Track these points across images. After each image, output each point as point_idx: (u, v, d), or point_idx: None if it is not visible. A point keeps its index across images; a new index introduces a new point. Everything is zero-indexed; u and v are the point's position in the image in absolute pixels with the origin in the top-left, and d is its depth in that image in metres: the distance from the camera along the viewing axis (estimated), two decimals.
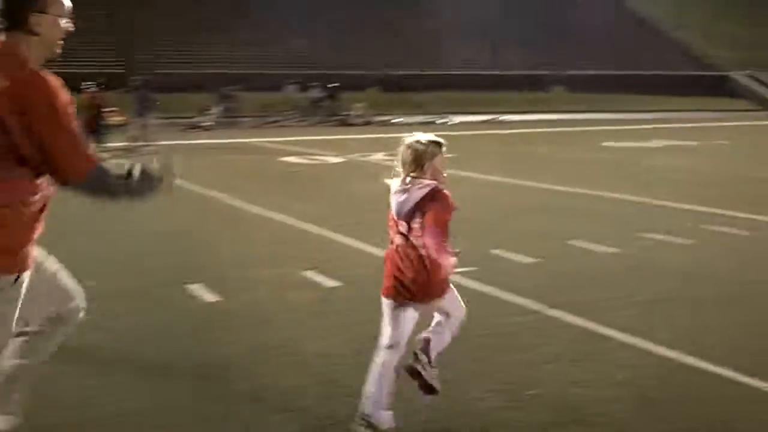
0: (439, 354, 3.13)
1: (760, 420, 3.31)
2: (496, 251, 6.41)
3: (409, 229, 3.04)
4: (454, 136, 20.33)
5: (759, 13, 50.04)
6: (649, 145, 17.70)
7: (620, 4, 52.60)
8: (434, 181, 3.05)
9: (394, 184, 3.12)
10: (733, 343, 4.26)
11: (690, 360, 3.96)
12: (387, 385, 3.05)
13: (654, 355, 4.07)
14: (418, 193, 3.02)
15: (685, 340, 4.26)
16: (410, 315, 3.09)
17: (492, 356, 4.06)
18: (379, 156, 14.35)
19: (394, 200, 3.09)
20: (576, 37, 42.66)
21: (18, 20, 2.39)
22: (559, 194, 9.79)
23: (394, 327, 3.08)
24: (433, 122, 25.94)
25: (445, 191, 3.05)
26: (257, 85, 27.99)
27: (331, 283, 5.40)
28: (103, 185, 2.45)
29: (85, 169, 2.37)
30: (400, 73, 35.28)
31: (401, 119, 25.51)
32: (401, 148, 3.13)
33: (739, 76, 40.52)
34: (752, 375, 3.72)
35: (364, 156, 14.71)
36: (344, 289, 5.27)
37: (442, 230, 2.99)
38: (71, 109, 2.37)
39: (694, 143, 18.31)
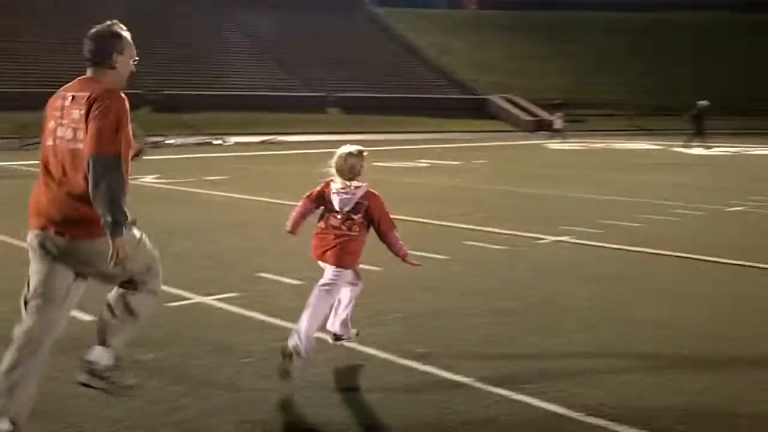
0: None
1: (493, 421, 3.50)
2: (262, 274, 6.31)
3: (347, 219, 4.07)
4: (226, 157, 20.54)
5: (514, 44, 55.24)
6: (417, 165, 18.60)
7: (392, 33, 55.50)
8: (366, 183, 4.12)
9: (335, 186, 4.13)
10: (476, 353, 4.51)
11: (444, 374, 4.12)
12: (317, 322, 4.03)
13: (409, 369, 4.19)
14: (358, 193, 4.07)
15: (440, 353, 4.44)
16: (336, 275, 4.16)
17: (254, 382, 3.95)
18: (148, 179, 13.71)
19: (337, 198, 4.09)
20: (354, 64, 44.35)
21: (103, 58, 3.22)
22: None
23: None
24: (209, 143, 25.34)
25: (373, 190, 4.13)
26: (17, 105, 25.83)
27: None
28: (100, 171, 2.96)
29: (96, 152, 2.97)
30: (172, 92, 34.34)
31: (174, 140, 24.67)
32: (336, 159, 4.15)
33: (498, 99, 44.16)
34: (497, 385, 3.95)
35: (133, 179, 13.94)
36: None
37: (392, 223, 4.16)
38: (124, 116, 3.11)
39: (457, 162, 19.52)
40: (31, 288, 3.12)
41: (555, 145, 28.86)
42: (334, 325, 4.37)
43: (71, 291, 3.15)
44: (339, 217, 4.08)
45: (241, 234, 8.55)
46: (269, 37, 46.08)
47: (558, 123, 29.80)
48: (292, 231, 4.29)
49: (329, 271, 4.14)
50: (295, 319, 4.12)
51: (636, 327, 5.06)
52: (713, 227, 9.47)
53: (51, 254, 3.08)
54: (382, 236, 4.16)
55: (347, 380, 4.14)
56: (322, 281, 4.15)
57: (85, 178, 2.98)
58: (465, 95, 46.07)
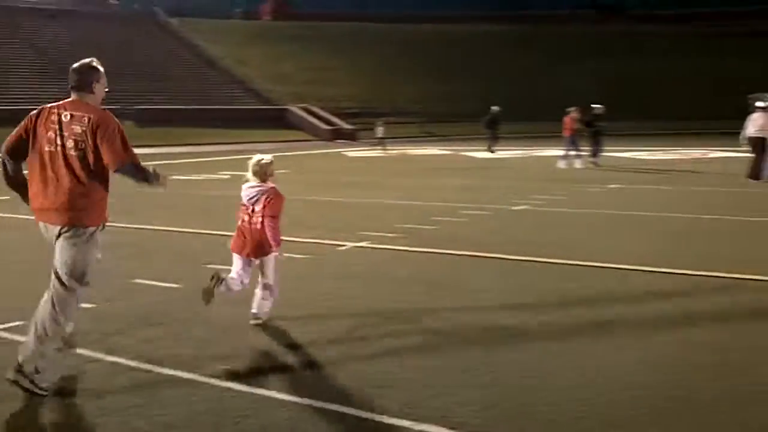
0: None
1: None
2: None
3: (253, 211, 5.17)
4: None
5: (308, 55, 55.99)
6: (220, 177, 18.25)
7: (187, 43, 54.02)
8: (273, 185, 5.24)
9: (248, 185, 5.24)
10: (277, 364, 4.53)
11: (243, 388, 4.09)
12: (234, 288, 5.18)
13: (211, 386, 4.11)
14: (262, 190, 5.19)
15: (242, 369, 4.41)
16: (245, 261, 5.22)
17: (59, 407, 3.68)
18: None
19: (247, 194, 5.21)
20: (149, 76, 42.78)
21: (86, 85, 4.18)
22: (126, 231, 9.44)
23: (236, 267, 5.22)
24: None
25: (278, 190, 5.23)
26: None
27: None
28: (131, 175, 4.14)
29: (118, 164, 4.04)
30: None
31: None
32: (251, 166, 5.26)
33: (296, 109, 44.47)
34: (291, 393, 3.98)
35: None
36: None
37: (277, 217, 5.15)
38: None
39: None
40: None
41: (353, 153, 29.60)
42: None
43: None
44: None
45: None
46: (56, 48, 43.28)
47: (380, 131, 30.58)
48: None
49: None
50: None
51: (435, 323, 5.32)
52: (499, 226, 10.15)
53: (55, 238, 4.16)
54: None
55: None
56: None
57: (74, 179, 4.03)
58: (264, 106, 45.93)
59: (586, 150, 20.27)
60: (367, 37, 61.78)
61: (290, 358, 4.65)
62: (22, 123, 4.18)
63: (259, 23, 70.56)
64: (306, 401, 3.87)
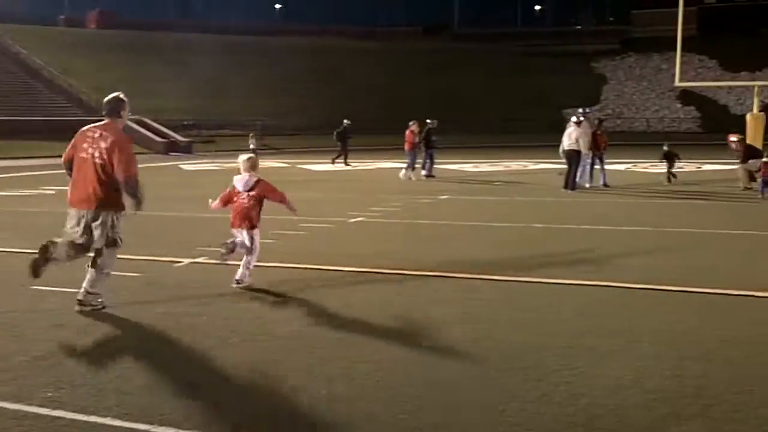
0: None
1: None
2: None
3: (248, 194, 7.04)
4: None
5: (136, 65, 54.12)
6: (43, 192, 17.23)
7: (7, 50, 50.48)
8: (258, 174, 7.17)
9: (241, 176, 7.13)
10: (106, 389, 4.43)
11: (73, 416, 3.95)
12: (242, 248, 7.01)
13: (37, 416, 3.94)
14: (253, 180, 7.08)
15: (69, 397, 4.25)
16: (241, 233, 7.04)
17: None
18: None
19: (243, 182, 7.09)
20: None
21: (114, 113, 6.03)
22: None
23: (239, 236, 7.04)
24: None
25: (263, 178, 7.25)
26: None
27: None
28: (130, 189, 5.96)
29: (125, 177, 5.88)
30: None
31: None
32: (242, 163, 7.21)
33: (127, 121, 42.71)
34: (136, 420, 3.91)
35: None
36: None
37: (275, 189, 7.25)
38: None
39: None
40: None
41: (189, 166, 28.89)
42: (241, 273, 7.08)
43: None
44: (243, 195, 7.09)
45: None
46: None
47: (252, 143, 29.96)
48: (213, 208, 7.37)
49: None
50: None
51: (272, 341, 5.36)
52: (338, 238, 10.35)
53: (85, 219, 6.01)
54: (274, 202, 7.28)
55: None
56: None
57: (102, 179, 5.91)
58: (92, 117, 43.70)
59: (421, 162, 21.03)
60: (204, 47, 60.51)
61: (123, 384, 4.53)
62: (74, 139, 6.14)
63: (82, 31, 67.21)
64: (140, 426, 3.81)
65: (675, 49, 32.32)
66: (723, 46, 65.30)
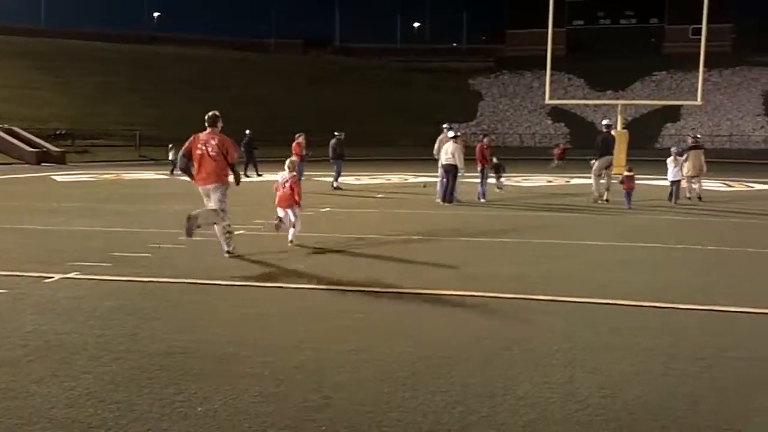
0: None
1: None
2: None
3: (284, 185, 10.35)
4: None
5: (4, 71, 51.10)
6: None
7: None
8: (294, 173, 10.56)
9: (283, 173, 10.42)
10: None
11: None
12: (288, 222, 10.54)
13: None
14: (290, 176, 10.40)
15: None
16: (286, 212, 10.46)
17: None
18: None
19: (283, 178, 10.38)
20: None
21: (214, 124, 9.63)
22: None
23: (282, 214, 10.50)
24: None
25: (296, 176, 10.69)
26: None
27: None
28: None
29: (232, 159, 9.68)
30: None
31: None
32: (287, 164, 10.54)
33: None
34: None
35: None
36: None
37: (299, 183, 10.78)
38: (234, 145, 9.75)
39: None
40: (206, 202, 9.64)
41: (62, 177, 27.56)
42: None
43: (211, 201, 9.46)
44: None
45: None
46: None
47: (171, 154, 28.68)
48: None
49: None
50: None
51: (145, 359, 5.22)
52: (217, 251, 10.14)
53: (207, 191, 9.51)
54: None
55: None
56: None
57: (215, 165, 9.46)
58: None
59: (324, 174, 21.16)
60: (73, 54, 57.99)
61: None
62: (188, 142, 9.59)
63: None
64: None
65: (545, 68, 33.95)
66: (590, 66, 69.05)
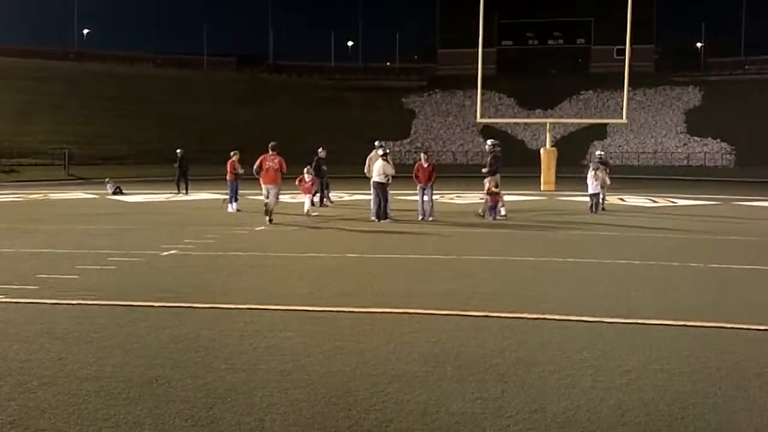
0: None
1: None
2: None
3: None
4: None
5: None
6: None
7: None
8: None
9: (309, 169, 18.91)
10: None
11: None
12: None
13: None
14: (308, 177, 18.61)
15: None
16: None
17: None
18: None
19: (310, 176, 19.01)
20: None
21: (275, 148, 17.33)
22: None
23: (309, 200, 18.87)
24: None
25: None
26: None
27: None
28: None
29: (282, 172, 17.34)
30: None
31: None
32: (313, 165, 19.87)
33: None
34: None
35: None
36: None
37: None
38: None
39: None
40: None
41: None
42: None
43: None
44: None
45: None
46: None
47: (109, 187, 27.83)
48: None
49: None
50: None
51: (73, 384, 5.08)
52: (148, 272, 9.97)
53: (270, 190, 16.82)
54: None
55: None
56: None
57: (275, 172, 16.92)
58: None
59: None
60: (6, 71, 56.21)
61: None
62: (260, 159, 17.11)
63: None
64: None
65: (476, 87, 34.60)
66: (519, 85, 70.64)
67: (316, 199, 20.98)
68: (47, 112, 51.77)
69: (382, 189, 17.17)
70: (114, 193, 27.09)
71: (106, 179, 29.25)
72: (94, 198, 26.08)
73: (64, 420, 4.37)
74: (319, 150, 21.87)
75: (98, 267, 10.01)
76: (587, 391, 5.01)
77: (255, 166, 16.98)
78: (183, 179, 27.60)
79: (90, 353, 5.81)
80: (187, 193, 27.09)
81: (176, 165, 28.03)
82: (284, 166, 16.93)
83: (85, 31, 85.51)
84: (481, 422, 4.41)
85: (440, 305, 7.60)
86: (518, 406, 4.69)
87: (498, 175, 18.15)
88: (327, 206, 21.15)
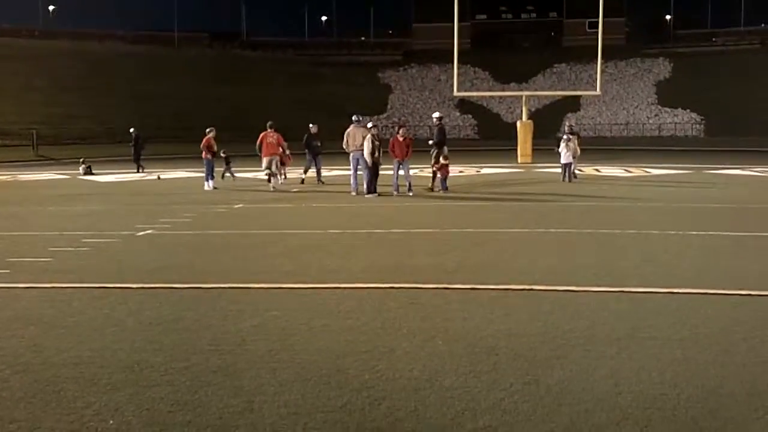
0: None
1: None
2: None
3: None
4: None
5: None
6: None
7: None
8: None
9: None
10: None
11: None
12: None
13: None
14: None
15: None
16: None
17: None
18: None
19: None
20: None
21: (271, 127, 19.67)
22: None
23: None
24: None
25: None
26: None
27: None
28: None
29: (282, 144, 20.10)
30: None
31: None
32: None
33: None
34: None
35: None
36: None
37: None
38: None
39: None
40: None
41: None
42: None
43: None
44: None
45: None
46: None
47: (82, 168, 27.29)
48: None
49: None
50: None
51: (48, 370, 4.89)
52: (124, 253, 9.72)
53: (273, 159, 19.53)
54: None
55: None
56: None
57: (275, 147, 19.40)
58: None
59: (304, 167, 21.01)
60: None
61: None
62: (261, 135, 19.42)
63: None
64: None
65: (452, 62, 34.37)
66: (494, 59, 70.46)
67: (311, 174, 20.84)
68: (13, 91, 50.67)
69: (364, 162, 16.94)
70: (85, 174, 26.60)
71: (81, 159, 28.75)
72: (65, 179, 25.59)
73: (41, 409, 4.19)
74: (311, 126, 21.52)
75: (72, 249, 9.75)
76: (579, 361, 4.93)
77: (257, 143, 19.30)
78: (137, 158, 27.81)
79: (66, 338, 5.61)
80: (141, 171, 27.17)
81: (131, 144, 28.19)
82: (282, 139, 19.50)
83: (51, 7, 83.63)
84: (476, 396, 4.30)
85: (427, 279, 7.48)
86: (511, 378, 4.59)
87: (446, 148, 18.23)
88: (322, 183, 20.67)
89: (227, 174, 22.23)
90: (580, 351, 5.15)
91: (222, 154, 21.84)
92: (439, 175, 18.08)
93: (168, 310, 6.44)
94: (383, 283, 7.36)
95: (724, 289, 7.00)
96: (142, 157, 28.03)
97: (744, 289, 6.93)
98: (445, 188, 17.88)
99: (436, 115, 19.96)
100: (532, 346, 5.26)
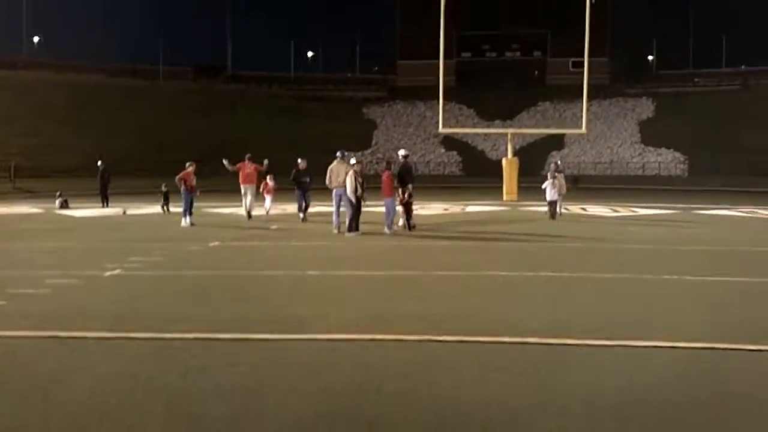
0: None
1: None
2: None
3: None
4: None
5: None
6: None
7: None
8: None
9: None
10: None
11: None
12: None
13: None
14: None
15: None
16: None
17: None
18: None
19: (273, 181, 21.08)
20: None
21: (251, 158, 21.21)
22: None
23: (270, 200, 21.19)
24: None
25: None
26: None
27: None
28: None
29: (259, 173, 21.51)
30: None
31: None
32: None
33: None
34: None
35: None
36: None
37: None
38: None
39: None
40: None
41: None
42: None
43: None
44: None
45: None
46: None
47: (59, 201, 26.62)
48: None
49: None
50: None
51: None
52: (88, 296, 9.06)
53: (248, 189, 20.83)
54: None
55: None
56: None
57: (252, 176, 20.79)
58: None
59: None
60: None
61: None
62: (239, 165, 20.75)
63: None
64: None
65: (437, 98, 34.17)
66: (478, 96, 70.60)
67: (293, 210, 20.63)
68: None
69: (348, 199, 16.31)
70: (61, 207, 25.88)
71: (57, 192, 27.98)
72: (40, 213, 24.82)
73: None
74: (299, 161, 20.74)
75: (32, 291, 9.06)
76: None
77: (236, 168, 20.60)
78: (104, 192, 27.45)
79: (4, 397, 4.96)
80: (107, 206, 26.58)
81: (98, 177, 27.96)
82: (258, 167, 20.73)
83: (35, 38, 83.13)
84: None
85: (410, 329, 6.89)
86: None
87: (410, 185, 17.55)
88: (305, 220, 19.93)
89: (165, 207, 23.18)
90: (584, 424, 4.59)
91: (163, 188, 23.04)
92: (400, 211, 17.31)
93: (122, 364, 5.81)
94: (363, 333, 6.76)
95: (729, 343, 6.47)
96: (108, 191, 27.60)
97: (751, 344, 6.40)
98: (408, 226, 17.26)
99: (401, 152, 19.01)
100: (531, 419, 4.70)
